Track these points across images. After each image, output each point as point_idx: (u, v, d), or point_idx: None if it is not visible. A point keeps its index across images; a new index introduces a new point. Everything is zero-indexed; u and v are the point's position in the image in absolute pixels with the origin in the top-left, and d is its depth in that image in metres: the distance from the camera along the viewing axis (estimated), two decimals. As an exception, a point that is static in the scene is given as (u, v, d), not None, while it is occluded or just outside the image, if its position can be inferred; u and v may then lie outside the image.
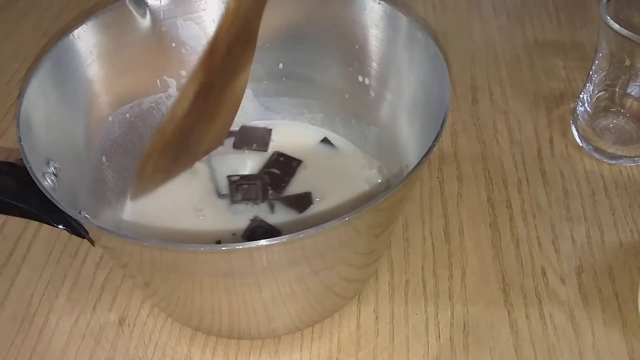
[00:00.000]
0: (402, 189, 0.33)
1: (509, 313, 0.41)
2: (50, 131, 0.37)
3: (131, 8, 0.41)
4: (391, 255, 0.44)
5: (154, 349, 0.40)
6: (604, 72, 0.49)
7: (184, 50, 0.45)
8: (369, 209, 0.30)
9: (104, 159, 0.42)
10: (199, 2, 0.44)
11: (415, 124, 0.41)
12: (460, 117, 0.54)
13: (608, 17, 0.45)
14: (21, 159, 0.32)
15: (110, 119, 0.43)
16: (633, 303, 0.41)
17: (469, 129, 0.53)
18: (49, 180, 0.34)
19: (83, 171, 0.40)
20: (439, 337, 0.40)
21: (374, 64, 0.44)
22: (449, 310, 0.42)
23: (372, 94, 0.45)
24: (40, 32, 0.63)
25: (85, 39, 0.40)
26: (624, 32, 0.44)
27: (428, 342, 0.40)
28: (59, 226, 0.34)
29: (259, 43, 0.38)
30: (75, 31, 0.39)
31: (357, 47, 0.44)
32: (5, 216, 0.47)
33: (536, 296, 0.42)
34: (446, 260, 0.44)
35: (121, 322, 0.41)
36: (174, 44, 0.45)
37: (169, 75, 0.45)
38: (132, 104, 0.44)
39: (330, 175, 0.47)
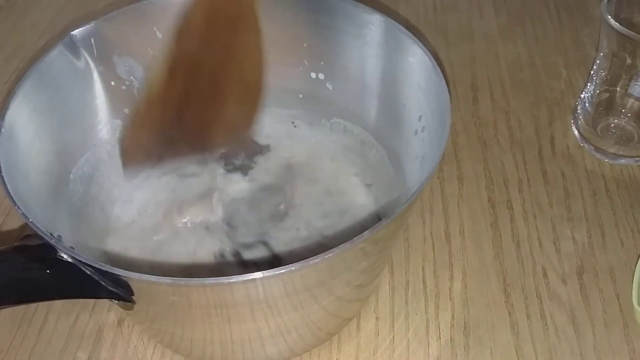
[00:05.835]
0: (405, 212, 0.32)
1: (509, 313, 0.41)
2: (47, 207, 0.35)
3: (67, 53, 0.39)
4: (391, 255, 0.44)
5: (153, 350, 0.40)
6: (605, 72, 0.49)
7: (123, 87, 0.43)
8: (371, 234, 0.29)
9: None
10: (130, 33, 0.41)
11: (417, 152, 0.39)
12: (460, 117, 0.54)
13: (609, 16, 0.44)
14: (28, 236, 0.30)
15: (72, 176, 0.40)
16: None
17: (470, 128, 0.53)
18: (65, 256, 0.30)
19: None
20: (440, 337, 0.40)
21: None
22: (450, 310, 0.41)
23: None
24: (39, 31, 0.63)
25: (32, 95, 0.36)
26: (625, 31, 0.44)
27: (429, 342, 0.40)
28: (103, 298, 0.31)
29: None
30: (21, 89, 0.36)
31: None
32: (4, 215, 0.47)
33: (537, 296, 0.42)
34: (447, 261, 0.44)
35: (120, 322, 0.41)
36: (113, 83, 0.42)
37: (114, 116, 0.43)
38: (86, 156, 0.41)
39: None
